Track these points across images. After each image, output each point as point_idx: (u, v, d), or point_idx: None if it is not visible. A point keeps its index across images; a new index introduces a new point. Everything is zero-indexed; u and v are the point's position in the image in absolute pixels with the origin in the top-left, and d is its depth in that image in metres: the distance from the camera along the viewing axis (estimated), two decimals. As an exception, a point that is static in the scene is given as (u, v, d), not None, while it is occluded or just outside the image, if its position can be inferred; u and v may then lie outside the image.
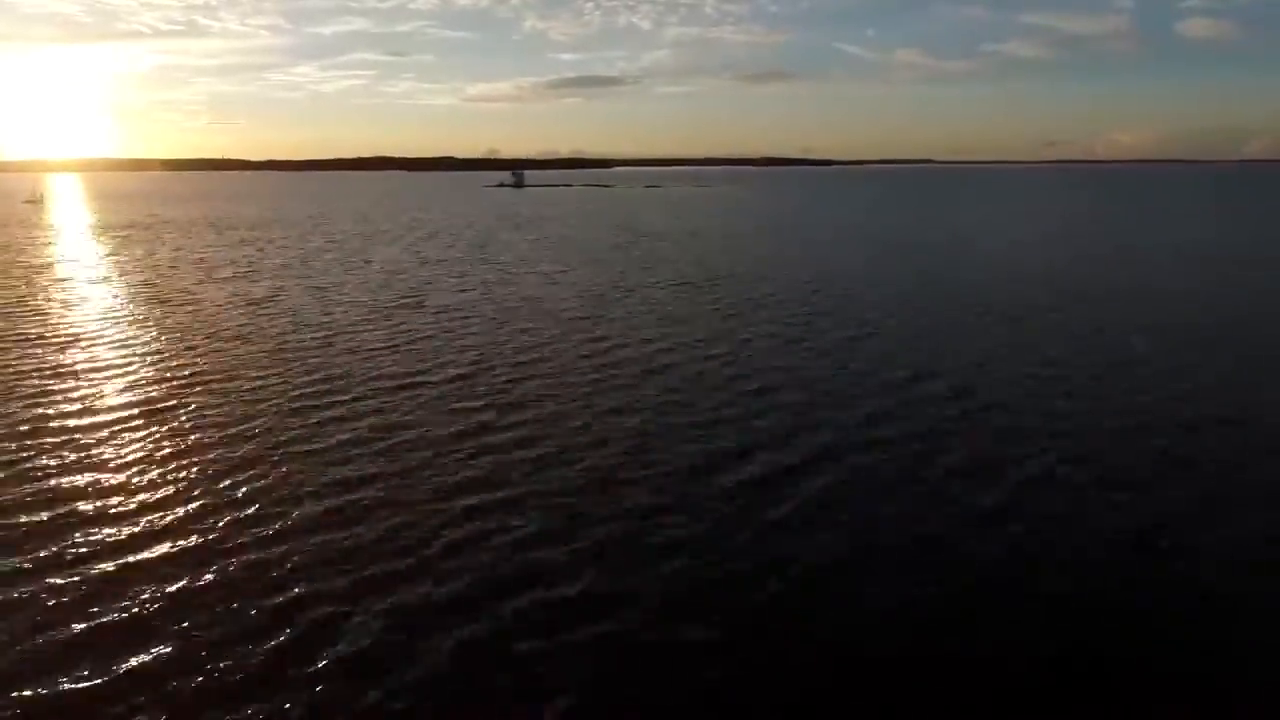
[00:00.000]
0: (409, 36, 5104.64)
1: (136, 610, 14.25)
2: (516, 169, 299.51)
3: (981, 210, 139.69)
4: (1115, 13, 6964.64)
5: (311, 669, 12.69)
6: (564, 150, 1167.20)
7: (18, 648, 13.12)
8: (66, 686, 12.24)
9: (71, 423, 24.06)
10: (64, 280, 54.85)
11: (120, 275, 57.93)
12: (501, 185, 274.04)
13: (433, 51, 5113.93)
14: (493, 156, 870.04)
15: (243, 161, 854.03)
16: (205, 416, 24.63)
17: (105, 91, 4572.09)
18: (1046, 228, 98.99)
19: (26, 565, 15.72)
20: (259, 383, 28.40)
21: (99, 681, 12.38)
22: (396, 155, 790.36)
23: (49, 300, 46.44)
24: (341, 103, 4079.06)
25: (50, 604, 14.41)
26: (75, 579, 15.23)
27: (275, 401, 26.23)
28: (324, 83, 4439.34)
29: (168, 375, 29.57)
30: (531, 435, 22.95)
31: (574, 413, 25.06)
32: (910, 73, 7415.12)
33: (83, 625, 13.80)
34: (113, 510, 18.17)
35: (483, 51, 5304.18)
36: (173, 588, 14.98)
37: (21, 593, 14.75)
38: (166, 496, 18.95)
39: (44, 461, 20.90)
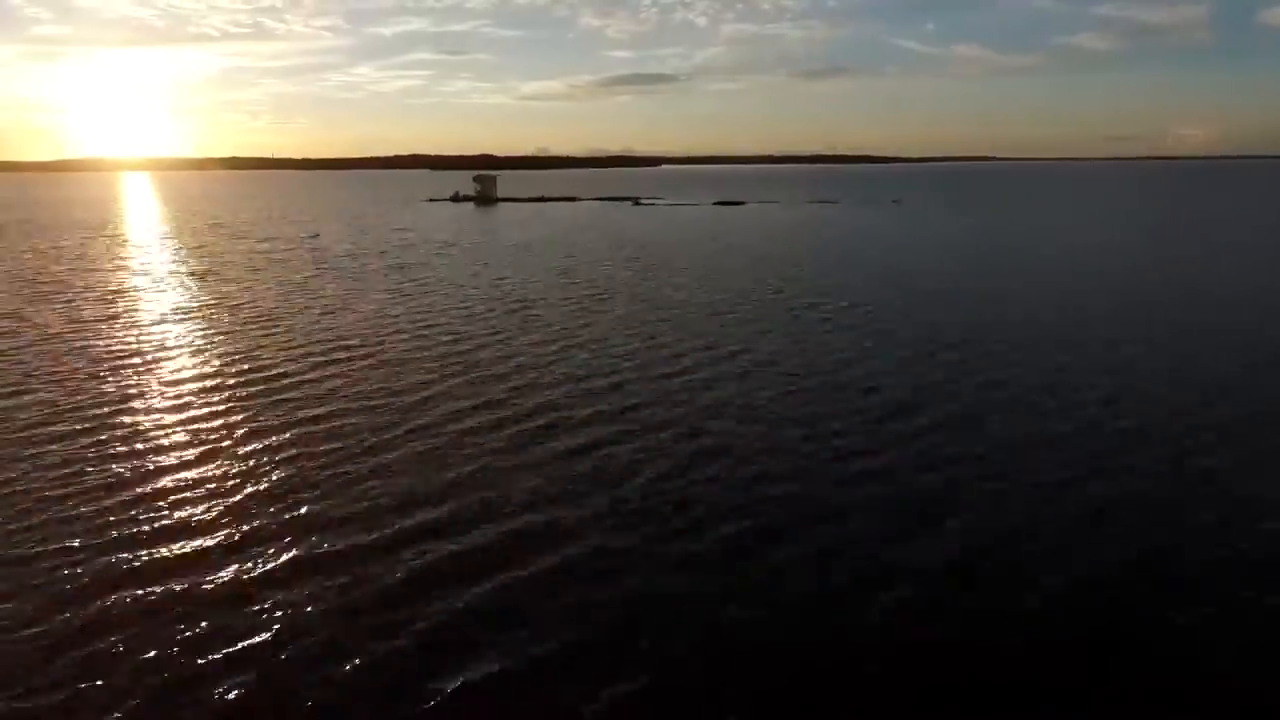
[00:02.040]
0: (466, 36, 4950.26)
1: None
2: (484, 171, 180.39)
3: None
4: (1194, 2, 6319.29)
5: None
6: (613, 148, 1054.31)
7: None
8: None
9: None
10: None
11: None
12: (456, 198, 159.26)
13: (489, 50, 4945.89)
14: (542, 154, 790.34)
15: (282, 160, 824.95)
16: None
17: (175, 93, 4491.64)
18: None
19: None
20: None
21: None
22: (434, 154, 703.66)
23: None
24: (397, 102, 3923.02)
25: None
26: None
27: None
28: (381, 82, 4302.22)
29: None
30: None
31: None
32: (970, 67, 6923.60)
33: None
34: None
35: (538, 50, 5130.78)
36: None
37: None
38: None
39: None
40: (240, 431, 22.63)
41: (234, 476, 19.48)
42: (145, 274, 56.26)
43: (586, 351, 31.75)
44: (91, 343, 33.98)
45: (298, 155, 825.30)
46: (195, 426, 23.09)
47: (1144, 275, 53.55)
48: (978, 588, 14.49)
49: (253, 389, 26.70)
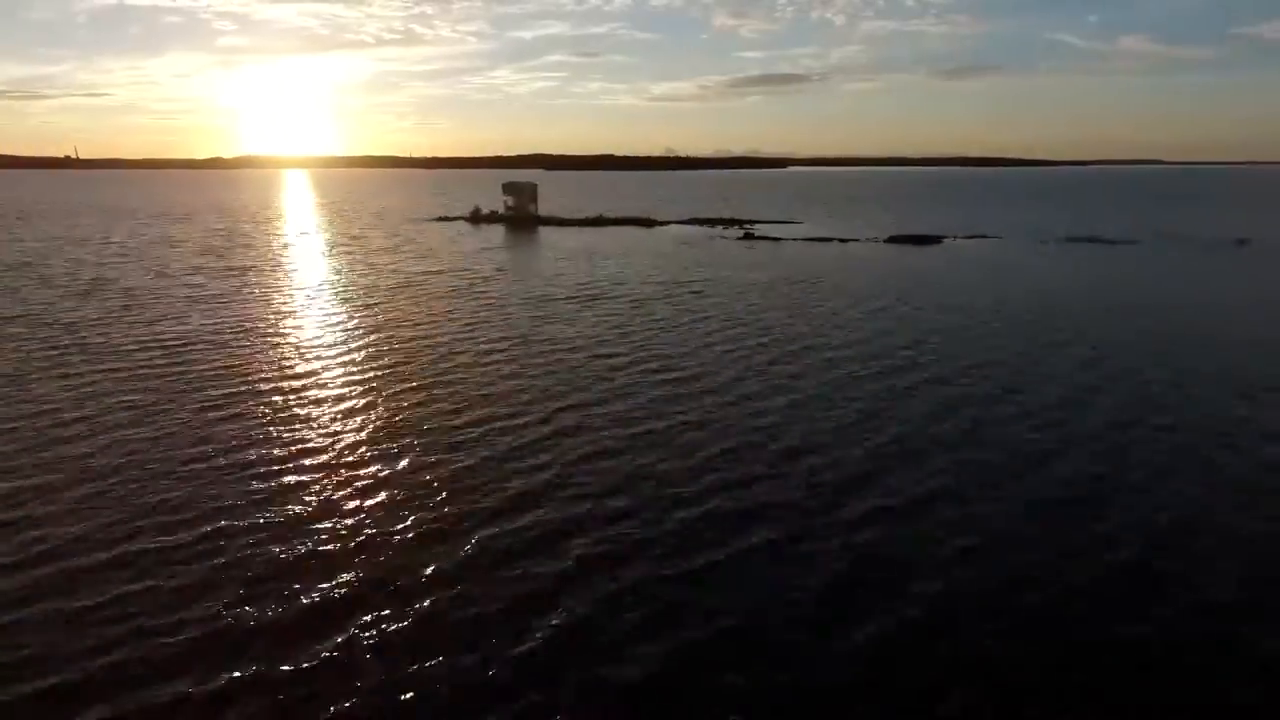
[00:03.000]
0: (602, 38, 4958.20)
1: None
2: (517, 179, 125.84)
3: None
4: None
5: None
6: (739, 149, 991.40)
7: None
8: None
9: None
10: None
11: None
12: (476, 218, 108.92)
13: (623, 52, 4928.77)
14: (669, 155, 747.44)
15: (418, 159, 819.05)
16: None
17: (331, 95, 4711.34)
18: None
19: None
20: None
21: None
22: (554, 154, 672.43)
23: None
24: (531, 104, 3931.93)
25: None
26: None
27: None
28: (518, 85, 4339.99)
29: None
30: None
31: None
32: (1135, 62, 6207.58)
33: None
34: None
35: (670, 51, 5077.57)
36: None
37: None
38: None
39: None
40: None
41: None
42: None
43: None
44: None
45: (432, 154, 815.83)
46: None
47: None
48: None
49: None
